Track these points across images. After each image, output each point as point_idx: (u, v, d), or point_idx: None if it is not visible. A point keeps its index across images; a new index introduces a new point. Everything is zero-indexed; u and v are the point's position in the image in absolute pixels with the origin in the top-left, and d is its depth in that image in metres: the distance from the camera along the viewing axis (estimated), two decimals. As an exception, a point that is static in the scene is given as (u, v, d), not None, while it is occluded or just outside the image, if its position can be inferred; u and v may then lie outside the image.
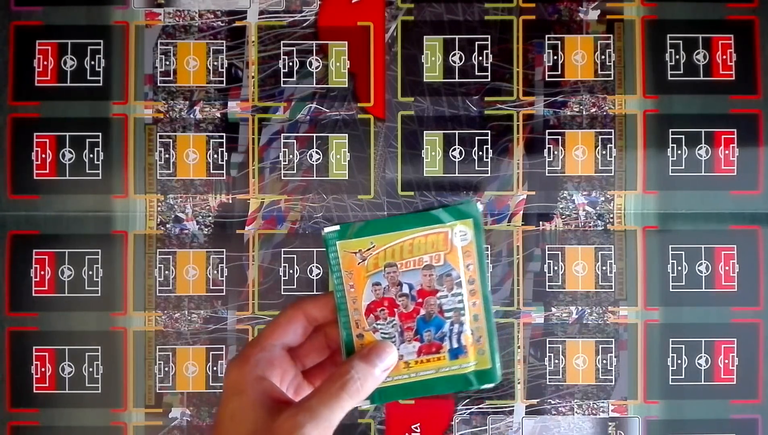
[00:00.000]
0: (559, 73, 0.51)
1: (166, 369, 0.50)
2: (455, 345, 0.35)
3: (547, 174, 0.51)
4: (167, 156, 0.51)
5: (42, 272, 0.50)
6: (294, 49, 0.51)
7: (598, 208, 0.51)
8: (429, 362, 0.35)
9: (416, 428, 0.50)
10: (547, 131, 0.51)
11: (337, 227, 0.34)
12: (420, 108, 0.51)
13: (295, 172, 0.51)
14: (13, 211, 0.50)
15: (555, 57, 0.51)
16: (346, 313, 0.34)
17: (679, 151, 0.51)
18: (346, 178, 0.51)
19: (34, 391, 0.50)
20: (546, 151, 0.51)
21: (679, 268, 0.51)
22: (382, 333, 0.34)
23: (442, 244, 0.35)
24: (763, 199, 0.51)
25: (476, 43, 0.51)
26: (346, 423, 0.48)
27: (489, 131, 0.51)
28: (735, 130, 0.51)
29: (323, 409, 0.30)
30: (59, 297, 0.50)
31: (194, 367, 0.50)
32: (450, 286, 0.35)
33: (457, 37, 0.51)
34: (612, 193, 0.51)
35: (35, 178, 0.50)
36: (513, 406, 0.50)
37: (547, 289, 0.51)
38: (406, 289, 0.35)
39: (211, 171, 0.51)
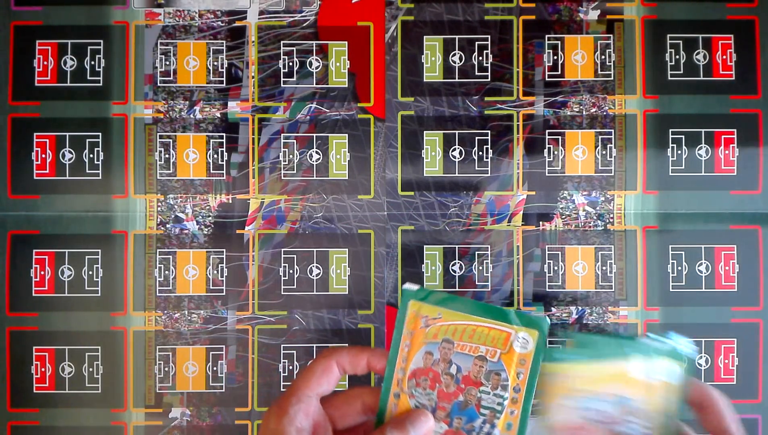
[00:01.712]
0: (559, 73, 0.51)
1: (166, 369, 0.50)
2: None
3: (547, 174, 0.51)
4: (167, 156, 0.51)
5: (42, 272, 0.50)
6: (294, 49, 0.51)
7: (598, 208, 0.51)
8: None
9: None
10: (547, 131, 0.51)
11: (417, 287, 0.35)
12: (420, 108, 0.51)
13: (295, 172, 0.51)
14: (13, 211, 0.50)
15: (555, 57, 0.51)
16: (393, 368, 0.35)
17: (679, 151, 0.51)
18: (346, 178, 0.51)
19: (34, 391, 0.50)
20: (546, 151, 0.51)
21: (679, 268, 0.51)
22: (417, 401, 0.35)
23: (502, 343, 0.34)
24: (763, 199, 0.51)
25: (476, 43, 0.51)
26: None
27: (489, 131, 0.51)
28: (735, 130, 0.51)
29: None
30: (59, 297, 0.50)
31: (194, 367, 0.50)
32: (495, 385, 0.34)
33: (457, 37, 0.51)
34: (612, 193, 0.51)
35: (35, 178, 0.50)
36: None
37: (547, 289, 0.51)
38: (453, 370, 0.34)
39: (211, 171, 0.51)
